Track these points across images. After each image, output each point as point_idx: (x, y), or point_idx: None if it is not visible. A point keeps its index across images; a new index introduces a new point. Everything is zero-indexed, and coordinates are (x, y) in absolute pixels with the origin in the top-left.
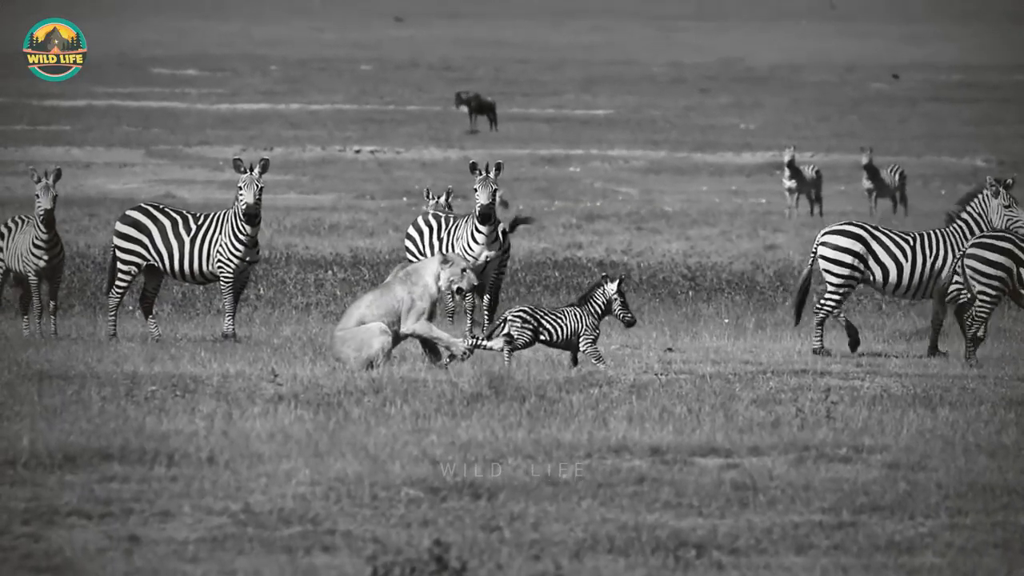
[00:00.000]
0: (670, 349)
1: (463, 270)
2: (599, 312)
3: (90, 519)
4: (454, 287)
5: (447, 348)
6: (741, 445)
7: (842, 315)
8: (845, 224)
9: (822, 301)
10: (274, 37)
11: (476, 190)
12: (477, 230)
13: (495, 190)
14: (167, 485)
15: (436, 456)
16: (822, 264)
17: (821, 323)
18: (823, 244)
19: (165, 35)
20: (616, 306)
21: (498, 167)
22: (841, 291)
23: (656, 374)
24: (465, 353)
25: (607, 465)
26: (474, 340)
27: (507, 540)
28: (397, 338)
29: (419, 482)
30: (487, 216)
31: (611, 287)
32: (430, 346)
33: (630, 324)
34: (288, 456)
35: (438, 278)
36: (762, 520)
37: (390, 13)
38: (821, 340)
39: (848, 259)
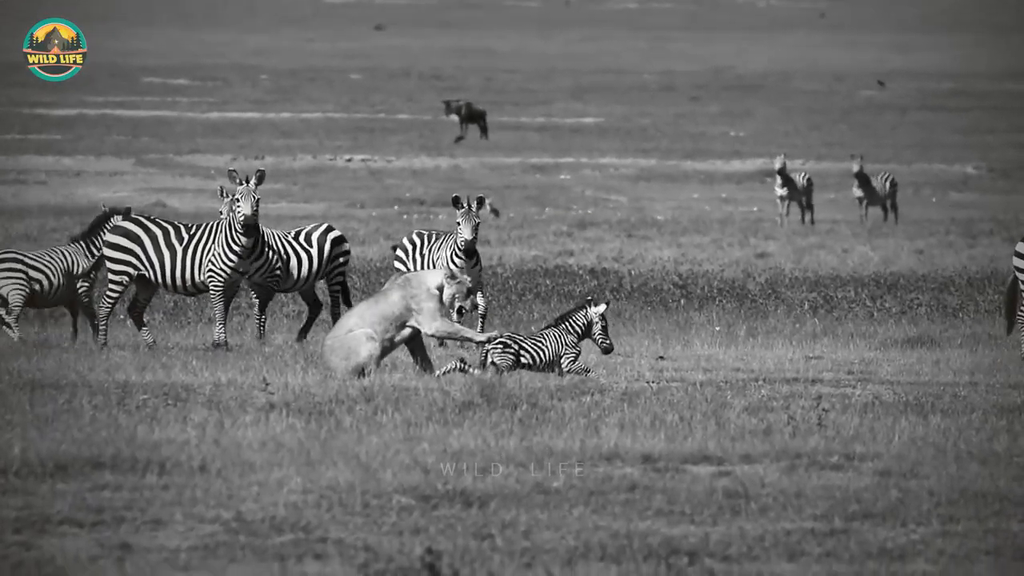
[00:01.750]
0: (662, 357)
1: (468, 290)
2: (579, 332)
3: (82, 527)
4: (456, 304)
5: (471, 340)
6: (733, 453)
7: None
8: None
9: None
10: (264, 47)
11: (459, 224)
12: (457, 255)
13: (478, 224)
14: (159, 493)
15: (428, 464)
16: (1016, 273)
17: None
18: (1014, 252)
19: (156, 45)
20: (597, 330)
21: (480, 201)
22: None
23: (648, 382)
24: (489, 341)
25: (599, 473)
26: (489, 336)
27: (499, 548)
28: (392, 345)
29: (411, 490)
30: (470, 252)
31: (595, 310)
32: (421, 355)
33: (608, 351)
34: (280, 464)
35: (441, 288)
36: (754, 527)
37: (380, 22)
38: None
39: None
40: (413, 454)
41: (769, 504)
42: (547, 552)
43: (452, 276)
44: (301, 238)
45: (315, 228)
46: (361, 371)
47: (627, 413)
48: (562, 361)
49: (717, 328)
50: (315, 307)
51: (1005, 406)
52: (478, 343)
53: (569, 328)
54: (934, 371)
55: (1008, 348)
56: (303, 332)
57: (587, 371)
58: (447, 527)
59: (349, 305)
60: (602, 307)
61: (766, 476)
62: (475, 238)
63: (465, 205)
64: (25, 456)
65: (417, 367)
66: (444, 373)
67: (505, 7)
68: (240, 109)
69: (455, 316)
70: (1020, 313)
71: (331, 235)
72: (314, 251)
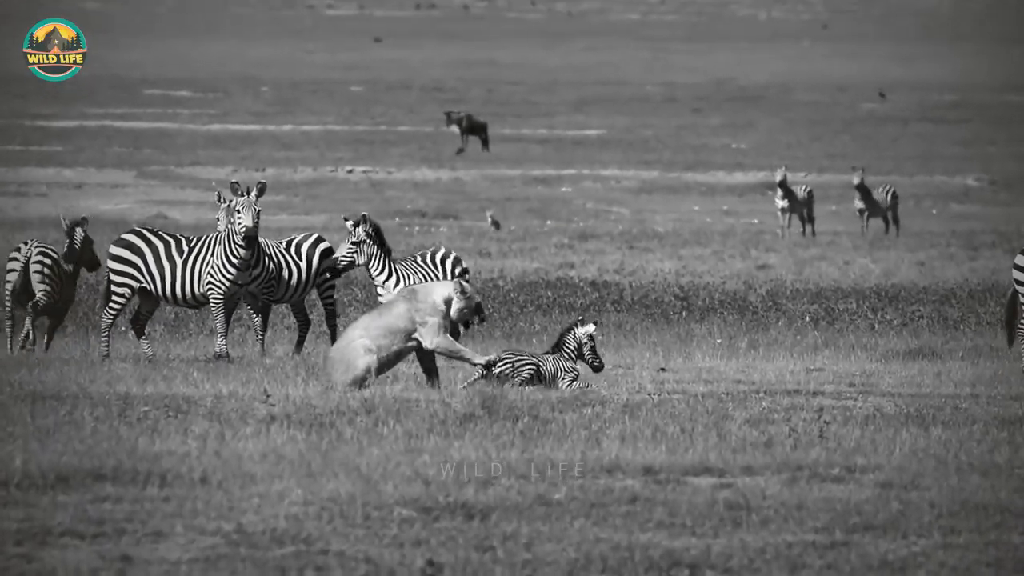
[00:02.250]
0: (663, 369)
1: (478, 305)
2: (573, 356)
3: (83, 539)
4: (465, 319)
5: (468, 361)
6: (734, 465)
7: None
8: None
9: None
10: (265, 58)
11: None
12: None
13: (356, 242)
14: (160, 505)
15: (429, 476)
16: (1016, 285)
17: None
18: (1014, 265)
19: (157, 56)
20: (586, 350)
21: (362, 220)
22: None
23: (649, 394)
24: (489, 363)
25: (600, 485)
26: (491, 358)
27: (500, 560)
28: (399, 357)
29: (412, 502)
30: (338, 268)
31: (582, 331)
32: (428, 366)
33: (598, 370)
34: (281, 476)
35: (449, 301)
36: (755, 540)
37: (381, 34)
38: None
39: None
40: (414, 466)
41: (770, 516)
42: (548, 564)
43: (462, 291)
44: (292, 249)
45: (305, 239)
46: (360, 383)
47: (628, 425)
48: (560, 383)
49: (718, 340)
50: (305, 323)
51: (1006, 418)
52: (475, 365)
53: (567, 355)
54: (935, 383)
55: (1009, 360)
56: (298, 346)
57: (588, 387)
58: (448, 539)
59: (334, 318)
60: (590, 327)
61: (767, 488)
62: (351, 262)
63: (352, 228)
64: (26, 468)
65: (424, 377)
66: (471, 384)
67: (507, 19)
68: (241, 121)
69: (463, 330)
70: (1020, 326)
71: (320, 247)
72: (303, 264)
